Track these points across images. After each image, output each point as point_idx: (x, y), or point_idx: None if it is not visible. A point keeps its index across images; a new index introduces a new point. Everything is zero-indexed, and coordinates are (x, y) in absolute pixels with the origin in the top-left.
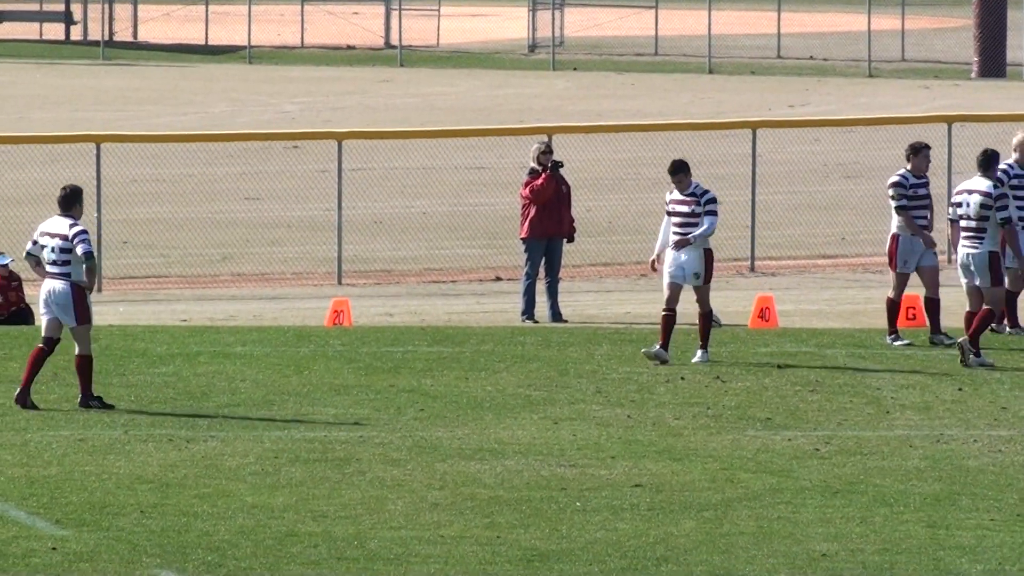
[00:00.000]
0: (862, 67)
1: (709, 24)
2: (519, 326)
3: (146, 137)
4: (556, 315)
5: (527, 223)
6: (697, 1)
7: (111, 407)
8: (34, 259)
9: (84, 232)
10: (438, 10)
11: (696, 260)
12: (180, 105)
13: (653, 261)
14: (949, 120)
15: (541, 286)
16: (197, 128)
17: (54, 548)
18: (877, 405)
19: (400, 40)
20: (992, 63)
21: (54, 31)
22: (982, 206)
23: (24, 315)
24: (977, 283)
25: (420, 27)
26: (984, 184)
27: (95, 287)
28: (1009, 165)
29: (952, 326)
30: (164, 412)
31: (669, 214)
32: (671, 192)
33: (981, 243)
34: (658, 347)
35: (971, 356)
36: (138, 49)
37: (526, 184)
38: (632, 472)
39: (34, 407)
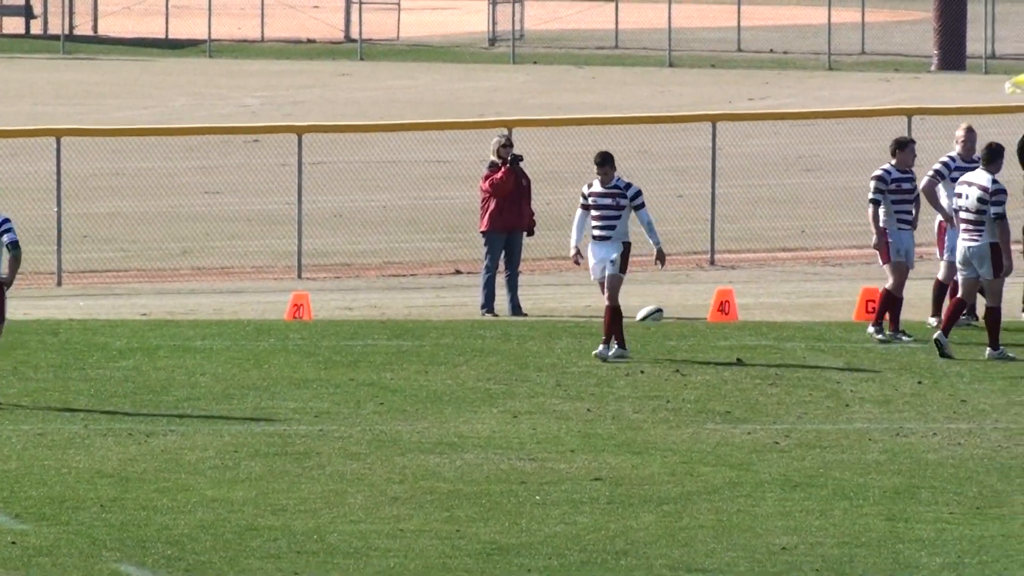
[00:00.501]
0: (822, 60)
1: (669, 17)
2: (479, 319)
3: (106, 131)
4: (516, 308)
5: (487, 216)
6: None
7: None
8: None
9: (9, 221)
10: (398, 3)
11: (615, 252)
12: (141, 99)
13: (576, 256)
14: (909, 113)
15: (501, 279)
16: (158, 122)
17: (13, 542)
18: (837, 398)
19: (360, 34)
20: (952, 56)
21: (14, 25)
22: (979, 200)
23: None
24: (980, 273)
25: (380, 21)
26: (985, 178)
27: (13, 281)
28: (951, 157)
29: (911, 319)
30: (124, 406)
31: (588, 207)
32: (590, 185)
33: (981, 235)
34: (602, 346)
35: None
36: (98, 43)
37: (486, 178)
38: (592, 466)
39: None
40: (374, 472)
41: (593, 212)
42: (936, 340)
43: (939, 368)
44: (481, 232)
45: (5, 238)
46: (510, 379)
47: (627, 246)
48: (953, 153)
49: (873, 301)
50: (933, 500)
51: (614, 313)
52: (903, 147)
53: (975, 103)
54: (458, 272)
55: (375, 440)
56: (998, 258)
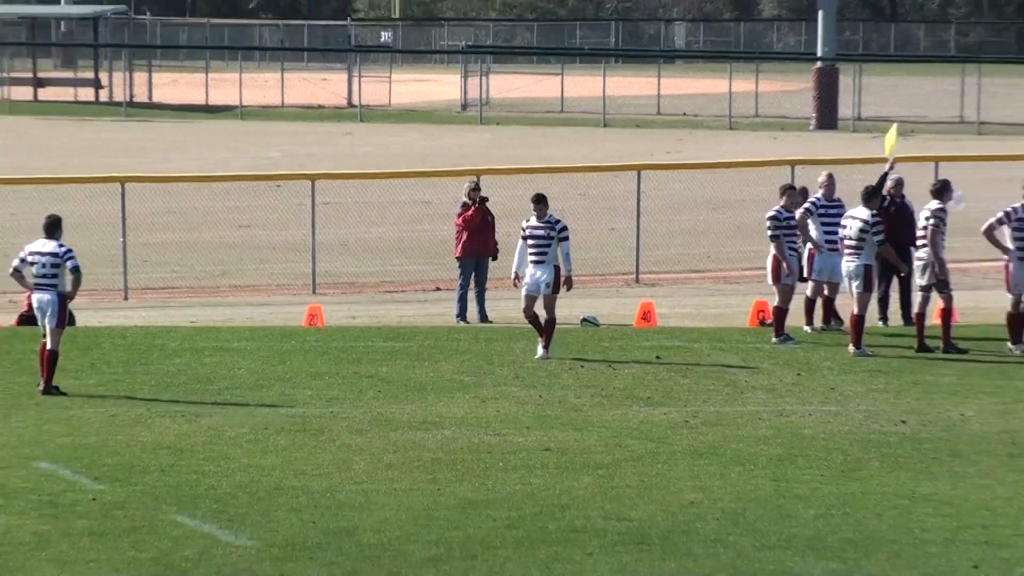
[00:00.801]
0: (724, 121)
1: (604, 88)
2: (454, 326)
3: (160, 178)
4: (483, 317)
5: (460, 245)
6: (594, 70)
7: (65, 394)
8: (19, 274)
9: (71, 251)
10: (389, 77)
11: (549, 274)
12: (186, 152)
13: (515, 279)
14: (792, 163)
15: (471, 295)
16: (200, 171)
17: (94, 499)
18: (734, 387)
19: (360, 100)
20: (827, 118)
21: (86, 94)
22: (861, 230)
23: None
24: (854, 287)
25: (375, 90)
26: (865, 213)
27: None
28: (816, 198)
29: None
30: (178, 394)
31: (526, 238)
32: (528, 220)
33: (859, 257)
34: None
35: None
36: (153, 108)
37: (459, 215)
38: (543, 439)
39: (61, 393)
40: (373, 444)
41: (530, 241)
42: (856, 354)
43: (814, 363)
44: (456, 257)
45: (69, 264)
46: (479, 372)
47: (557, 269)
48: (819, 194)
49: (763, 311)
50: (808, 465)
51: (549, 324)
52: (784, 192)
53: (845, 155)
54: (438, 289)
55: (374, 420)
56: (870, 277)
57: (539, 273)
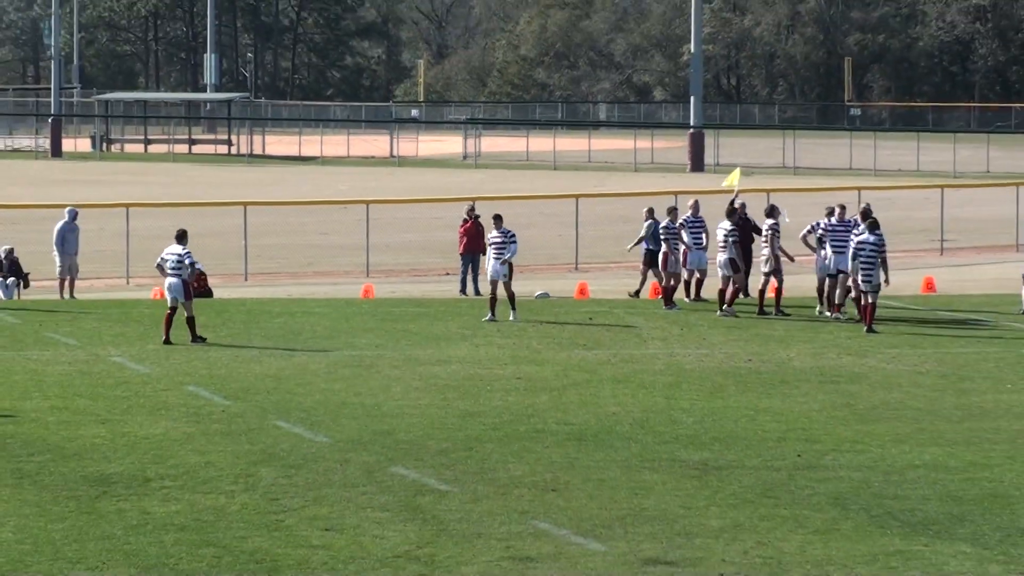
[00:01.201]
0: (631, 166)
1: (554, 144)
2: (458, 297)
3: (269, 203)
4: (476, 292)
5: (462, 245)
6: (548, 133)
7: (205, 340)
8: (160, 268)
9: (191, 254)
10: (417, 137)
11: (505, 268)
12: (287, 187)
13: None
14: (675, 193)
15: (469, 278)
16: (295, 198)
17: (223, 410)
18: (640, 338)
19: (398, 153)
20: (697, 164)
21: (222, 149)
22: (726, 235)
23: (208, 292)
24: (723, 271)
25: (408, 146)
26: (728, 224)
27: (193, 280)
28: (688, 216)
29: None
30: (279, 343)
31: (490, 244)
32: (490, 233)
33: (725, 252)
34: (489, 315)
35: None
36: (265, 158)
37: (461, 226)
38: (515, 371)
39: (203, 340)
40: (405, 375)
41: (492, 245)
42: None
43: (691, 322)
44: (459, 254)
45: (187, 260)
46: (474, 328)
47: (511, 264)
48: (689, 213)
49: (657, 289)
50: (689, 389)
51: (512, 297)
52: (670, 212)
53: (708, 189)
54: (447, 274)
55: (406, 359)
56: (734, 263)
57: (498, 266)
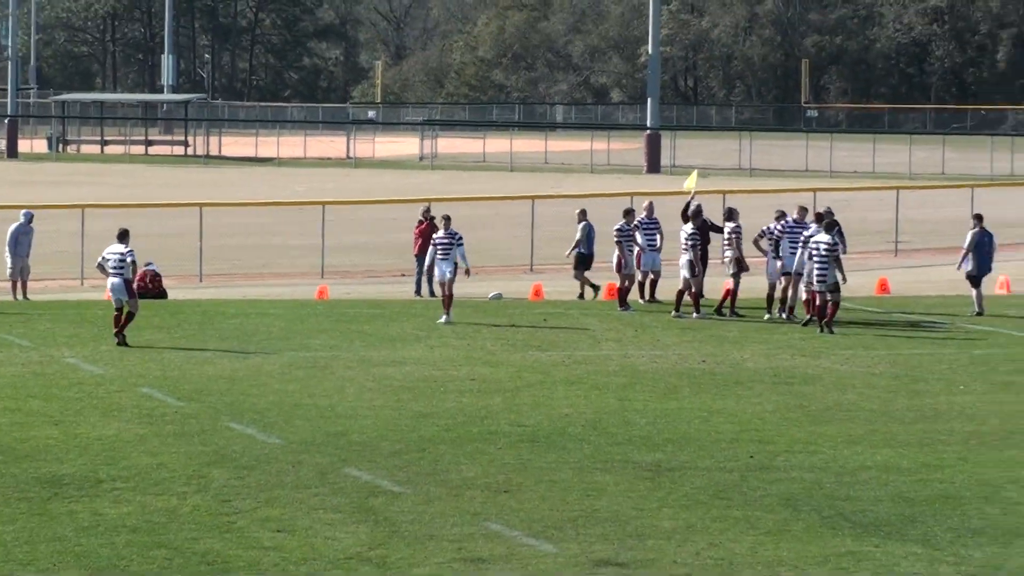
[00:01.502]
0: (588, 168)
1: (511, 146)
2: (412, 299)
3: (225, 204)
4: (431, 294)
5: (417, 246)
6: (504, 134)
7: (127, 343)
8: (101, 267)
9: (132, 252)
10: (374, 139)
11: (450, 268)
12: (243, 188)
13: (429, 271)
14: (631, 195)
15: (424, 279)
16: (251, 199)
17: (176, 412)
18: (594, 339)
19: (355, 154)
20: (653, 165)
21: (178, 150)
22: (687, 237)
23: (163, 294)
24: (684, 272)
25: (364, 148)
26: (690, 227)
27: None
28: (642, 218)
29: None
30: (233, 344)
31: (435, 244)
32: (437, 233)
33: (686, 254)
34: (444, 317)
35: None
36: (221, 159)
37: (416, 227)
38: (469, 373)
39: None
40: (359, 376)
41: (439, 246)
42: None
43: (645, 323)
44: (414, 255)
45: (129, 258)
46: (428, 329)
47: (455, 265)
48: (643, 215)
49: (612, 290)
50: (642, 390)
51: (450, 299)
52: (627, 214)
53: (664, 190)
54: (403, 275)
55: (360, 360)
56: (693, 265)
57: (444, 267)
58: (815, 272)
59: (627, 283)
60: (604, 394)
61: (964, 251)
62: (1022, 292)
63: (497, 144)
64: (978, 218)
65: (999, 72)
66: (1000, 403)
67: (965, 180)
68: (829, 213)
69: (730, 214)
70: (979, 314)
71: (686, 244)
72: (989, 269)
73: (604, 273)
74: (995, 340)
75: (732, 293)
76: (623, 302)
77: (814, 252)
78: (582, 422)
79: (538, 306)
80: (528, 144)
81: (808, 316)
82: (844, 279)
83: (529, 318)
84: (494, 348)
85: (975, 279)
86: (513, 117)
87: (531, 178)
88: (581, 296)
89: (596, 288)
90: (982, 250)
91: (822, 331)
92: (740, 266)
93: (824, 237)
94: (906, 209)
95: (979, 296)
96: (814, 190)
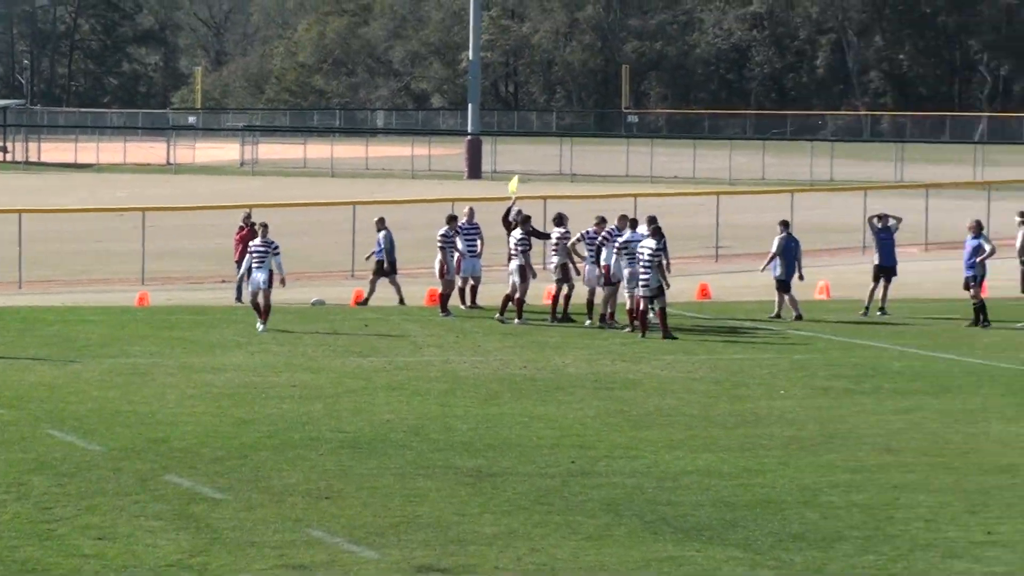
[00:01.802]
0: (409, 173)
1: (332, 152)
2: (233, 305)
3: (44, 210)
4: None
5: (237, 253)
6: (325, 140)
7: None
8: None
9: None
10: (194, 145)
11: (265, 276)
12: (63, 195)
13: (239, 280)
14: (452, 201)
15: (244, 285)
16: (71, 206)
17: None
18: (415, 345)
19: (175, 160)
20: (474, 171)
21: None
22: (516, 242)
23: None
24: (512, 279)
25: (185, 153)
26: (519, 232)
27: None
28: (463, 224)
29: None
30: (53, 352)
31: (251, 252)
32: (254, 241)
33: (517, 259)
34: (261, 325)
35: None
36: (41, 165)
37: (237, 233)
38: (290, 379)
39: None
40: (180, 383)
41: (255, 254)
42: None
43: (467, 329)
44: (235, 261)
45: None
46: (248, 335)
47: (271, 272)
48: (464, 220)
49: (433, 296)
50: (464, 396)
51: (268, 308)
52: (451, 220)
53: (485, 196)
54: (224, 281)
55: (181, 366)
56: (524, 271)
57: (259, 276)
58: (640, 277)
59: (448, 289)
60: (425, 400)
61: (770, 256)
62: (842, 297)
63: (318, 150)
64: (784, 224)
65: (818, 78)
66: (819, 408)
67: (785, 185)
68: (653, 220)
69: (559, 219)
70: (798, 318)
71: (516, 250)
72: (795, 274)
73: (426, 279)
74: (815, 345)
75: (557, 298)
76: (444, 308)
77: (640, 257)
78: (403, 428)
79: (359, 312)
80: (349, 150)
81: (630, 322)
82: (667, 284)
83: (350, 324)
84: (315, 354)
85: (784, 284)
86: (334, 123)
87: (352, 184)
88: (401, 302)
89: (369, 299)
90: (789, 255)
91: (643, 336)
92: (566, 272)
93: (650, 243)
94: (727, 214)
95: (792, 300)
96: (635, 195)
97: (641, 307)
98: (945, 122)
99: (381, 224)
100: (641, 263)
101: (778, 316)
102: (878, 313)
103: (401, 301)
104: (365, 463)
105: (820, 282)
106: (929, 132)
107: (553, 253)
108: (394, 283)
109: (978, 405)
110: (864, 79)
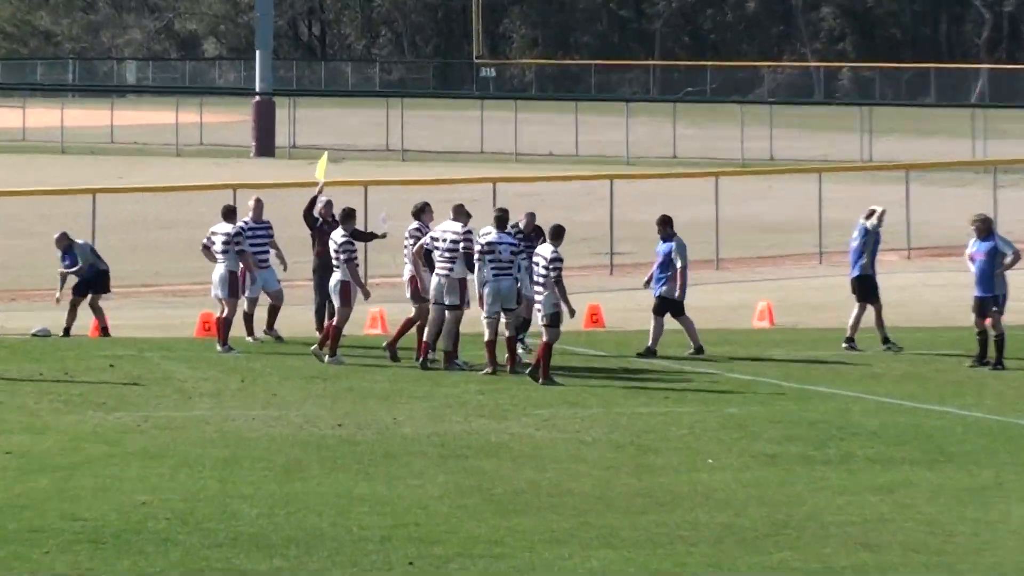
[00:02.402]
0: (172, 149)
1: (62, 119)
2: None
3: None
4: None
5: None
6: (53, 102)
7: None
8: None
9: None
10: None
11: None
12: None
13: None
14: (234, 188)
15: None
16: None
17: None
18: (182, 393)
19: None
20: (265, 146)
21: None
22: (339, 247)
23: None
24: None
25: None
26: (340, 235)
27: None
28: (245, 221)
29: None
30: None
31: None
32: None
33: (338, 273)
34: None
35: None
36: None
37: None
38: (3, 444)
39: None
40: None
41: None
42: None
43: (257, 371)
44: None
45: None
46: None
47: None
48: (248, 217)
49: (208, 323)
50: (252, 467)
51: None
52: (228, 215)
53: (281, 180)
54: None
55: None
56: (346, 292)
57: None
58: (534, 297)
59: (231, 313)
60: (198, 472)
61: (655, 267)
62: (788, 324)
63: (43, 115)
64: (665, 222)
65: (748, 14)
66: (764, 484)
67: (705, 166)
68: (532, 216)
69: (421, 210)
70: (698, 351)
71: (338, 259)
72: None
73: (195, 298)
74: (755, 394)
75: (408, 325)
76: (224, 340)
77: (535, 270)
78: (166, 514)
79: (103, 345)
80: (87, 115)
81: (488, 359)
82: (572, 310)
83: (90, 363)
84: (40, 406)
85: (673, 304)
86: (66, 78)
87: (90, 164)
88: (105, 332)
89: (66, 331)
90: (670, 263)
91: (543, 380)
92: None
93: (546, 249)
94: (624, 207)
95: (690, 327)
96: (493, 180)
97: (508, 334)
98: (929, 77)
99: (62, 240)
100: (535, 276)
101: (699, 351)
102: (843, 345)
103: (105, 332)
104: (112, 564)
105: (760, 304)
106: (906, 92)
107: (406, 261)
108: (95, 307)
109: (991, 480)
110: (813, 16)
